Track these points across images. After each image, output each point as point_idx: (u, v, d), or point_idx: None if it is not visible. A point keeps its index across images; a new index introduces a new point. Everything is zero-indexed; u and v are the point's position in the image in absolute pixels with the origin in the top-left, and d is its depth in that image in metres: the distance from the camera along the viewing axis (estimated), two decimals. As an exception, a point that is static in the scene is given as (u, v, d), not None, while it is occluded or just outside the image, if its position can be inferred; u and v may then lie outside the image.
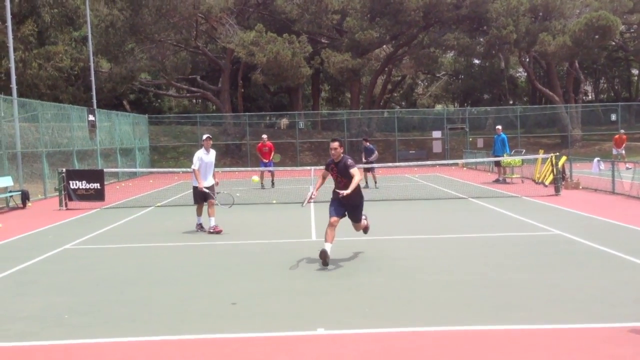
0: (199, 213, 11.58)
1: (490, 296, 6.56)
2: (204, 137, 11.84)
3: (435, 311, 6.06)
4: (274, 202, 16.35)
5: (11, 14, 20.37)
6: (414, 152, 36.76)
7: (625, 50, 46.23)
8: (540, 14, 37.52)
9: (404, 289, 6.96)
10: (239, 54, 34.09)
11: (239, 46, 33.34)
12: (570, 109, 39.45)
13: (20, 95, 21.91)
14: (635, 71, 58.97)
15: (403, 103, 64.24)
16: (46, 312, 6.38)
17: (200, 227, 11.53)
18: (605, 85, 64.96)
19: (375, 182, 20.16)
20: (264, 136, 22.06)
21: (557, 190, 16.58)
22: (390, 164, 25.06)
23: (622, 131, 29.04)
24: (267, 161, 21.09)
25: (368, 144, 20.49)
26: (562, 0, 35.53)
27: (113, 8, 32.28)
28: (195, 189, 11.42)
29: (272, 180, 21.25)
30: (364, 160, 20.31)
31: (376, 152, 20.60)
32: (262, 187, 20.71)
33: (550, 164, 17.21)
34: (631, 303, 6.17)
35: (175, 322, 5.96)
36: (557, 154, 17.63)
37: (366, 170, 19.94)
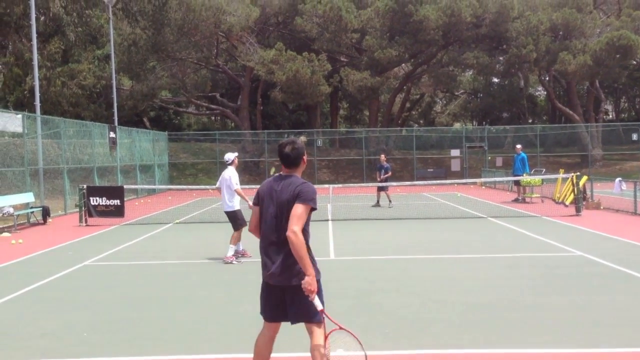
0: (240, 238, 10.29)
1: (514, 319, 6.45)
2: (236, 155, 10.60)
3: (458, 333, 5.98)
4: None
5: (37, 32, 20.75)
6: (432, 170, 36.60)
7: (646, 69, 45.76)
8: (561, 33, 37.39)
9: (425, 309, 6.88)
10: (259, 72, 34.38)
11: (259, 64, 33.63)
12: (591, 128, 39.07)
13: (43, 112, 22.24)
14: (657, 90, 58.31)
15: (421, 121, 64.15)
16: (66, 329, 6.40)
17: (243, 252, 10.49)
18: (626, 105, 64.32)
19: (390, 201, 20.01)
20: None
21: (578, 210, 16.37)
22: (408, 182, 24.98)
23: None
24: None
25: (385, 162, 20.44)
26: (582, 20, 35.39)
27: (136, 27, 32.78)
28: (239, 212, 10.15)
29: None
30: (379, 178, 20.31)
31: (389, 172, 20.56)
32: None
33: (571, 183, 17.03)
34: (658, 328, 6.04)
35: (196, 341, 5.94)
36: (578, 173, 17.44)
37: (380, 189, 19.91)
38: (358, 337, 4.33)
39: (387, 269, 9.31)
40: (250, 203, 9.65)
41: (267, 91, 41.36)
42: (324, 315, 4.25)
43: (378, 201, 20.04)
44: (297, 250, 3.93)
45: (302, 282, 4.03)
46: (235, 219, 10.05)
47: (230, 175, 10.02)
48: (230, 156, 10.27)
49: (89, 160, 22.85)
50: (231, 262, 9.98)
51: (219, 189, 10.45)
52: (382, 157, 21.02)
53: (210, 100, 43.93)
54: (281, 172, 4.26)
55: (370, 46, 34.50)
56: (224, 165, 10.50)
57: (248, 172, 36.20)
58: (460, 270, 9.24)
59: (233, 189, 10.01)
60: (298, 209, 3.97)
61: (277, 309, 4.35)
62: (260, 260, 4.35)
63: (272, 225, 4.16)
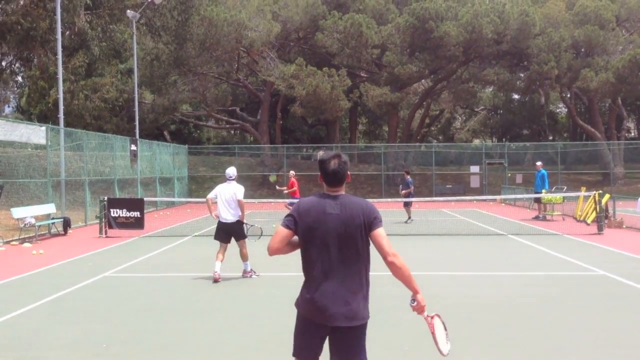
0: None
1: (537, 338, 6.35)
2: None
3: (479, 351, 5.89)
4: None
5: (62, 46, 21.12)
6: (450, 186, 36.40)
7: (670, 87, 45.18)
8: (583, 50, 37.14)
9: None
10: (279, 86, 34.59)
11: (279, 79, 33.85)
12: (613, 146, 38.65)
13: (66, 125, 22.57)
14: (680, 108, 57.56)
15: (440, 137, 63.95)
16: (85, 340, 6.43)
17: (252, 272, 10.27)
18: (649, 122, 63.53)
19: (409, 217, 19.94)
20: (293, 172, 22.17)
21: (600, 228, 16.13)
22: (427, 199, 24.88)
23: None
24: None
25: (409, 177, 20.33)
26: (605, 37, 35.14)
27: (159, 42, 33.24)
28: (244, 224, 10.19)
29: None
30: (402, 192, 20.26)
31: (412, 187, 20.39)
32: None
33: (593, 201, 16.81)
34: (684, 350, 5.90)
35: (214, 354, 5.93)
36: (600, 191, 17.21)
37: (404, 204, 19.89)
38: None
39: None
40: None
41: (286, 106, 41.58)
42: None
43: (409, 216, 19.93)
44: (405, 272, 3.56)
45: (413, 302, 3.69)
46: (242, 229, 10.09)
47: (240, 188, 10.00)
48: (234, 171, 10.23)
49: (110, 172, 23.10)
50: (251, 276, 10.12)
51: (208, 199, 10.34)
52: (405, 172, 20.94)
53: (230, 114, 44.25)
54: (326, 192, 3.67)
55: (390, 62, 34.56)
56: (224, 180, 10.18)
57: (266, 185, 36.31)
58: (481, 287, 9.13)
59: (239, 199, 9.88)
60: (383, 233, 3.55)
61: (316, 348, 3.67)
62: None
63: (337, 257, 3.52)
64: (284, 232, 3.65)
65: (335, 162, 3.67)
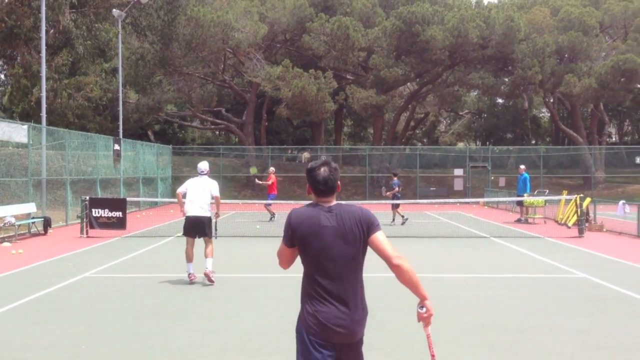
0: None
1: (519, 341, 6.39)
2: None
3: (461, 353, 5.91)
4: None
5: (46, 45, 20.91)
6: (434, 189, 36.58)
7: (651, 93, 45.84)
8: (566, 55, 37.58)
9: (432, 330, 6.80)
10: (265, 88, 34.55)
11: (265, 80, 33.81)
12: (594, 151, 39.08)
13: (49, 123, 22.35)
14: (661, 114, 58.37)
15: (425, 140, 64.23)
16: (64, 341, 6.36)
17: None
18: (629, 128, 64.36)
19: (394, 219, 20.00)
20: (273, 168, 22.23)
21: (580, 232, 16.30)
22: (411, 201, 24.94)
23: None
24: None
25: (396, 178, 20.32)
26: (588, 43, 35.56)
27: (144, 41, 33.02)
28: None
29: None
30: (387, 193, 20.32)
31: (396, 188, 20.30)
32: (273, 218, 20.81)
33: (574, 205, 16.97)
34: (662, 353, 5.97)
35: (194, 355, 5.89)
36: (582, 195, 17.39)
37: (393, 206, 19.95)
38: None
39: (390, 286, 9.23)
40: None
41: (272, 107, 41.53)
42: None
43: (402, 217, 19.89)
44: (412, 276, 3.36)
45: (422, 309, 3.52)
46: (211, 227, 9.85)
47: (214, 183, 9.83)
48: (206, 166, 9.93)
49: (92, 171, 22.90)
50: (212, 277, 9.40)
51: (179, 194, 9.90)
52: (393, 175, 20.98)
53: (215, 115, 44.11)
54: (318, 202, 3.43)
55: (376, 65, 34.67)
56: (197, 174, 9.90)
57: (251, 186, 36.23)
58: (464, 289, 9.17)
59: (216, 195, 9.77)
60: (383, 237, 3.36)
61: None
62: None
63: (337, 271, 3.33)
64: (286, 251, 3.48)
65: (325, 169, 3.42)
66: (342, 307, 3.31)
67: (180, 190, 9.92)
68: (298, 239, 3.38)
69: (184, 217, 9.75)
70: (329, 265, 3.32)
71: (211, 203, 9.82)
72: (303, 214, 3.40)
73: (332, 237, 3.32)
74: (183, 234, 9.80)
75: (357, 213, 3.39)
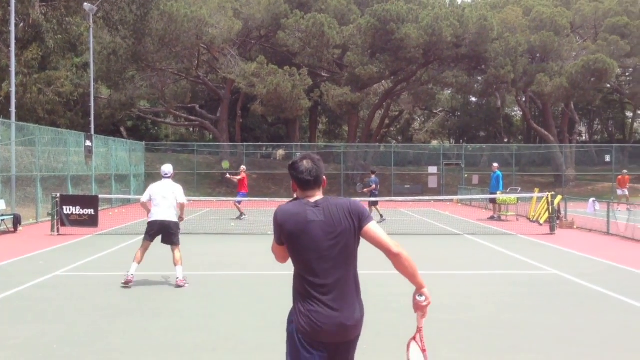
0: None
1: (493, 336, 6.46)
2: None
3: (436, 350, 5.93)
4: (269, 233, 16.23)
5: (16, 38, 20.49)
6: (409, 186, 36.80)
7: (620, 93, 46.80)
8: (538, 55, 38.11)
9: (403, 326, 6.83)
10: (240, 84, 34.36)
11: (240, 77, 33.63)
12: (565, 149, 39.73)
13: (18, 119, 21.91)
14: (629, 114, 59.63)
15: (400, 138, 64.63)
16: (35, 340, 6.24)
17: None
18: (599, 127, 65.59)
19: (381, 216, 19.67)
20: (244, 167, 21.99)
21: (552, 229, 16.55)
22: (385, 198, 25.06)
23: (625, 171, 29.13)
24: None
25: (373, 176, 20.22)
26: (559, 43, 36.11)
27: (116, 36, 32.56)
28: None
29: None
30: (364, 190, 20.33)
31: (373, 185, 20.21)
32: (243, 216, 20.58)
33: (545, 202, 17.22)
34: (636, 348, 6.08)
35: (168, 354, 5.82)
36: (553, 192, 17.65)
37: (372, 204, 19.69)
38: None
39: (365, 283, 9.25)
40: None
41: (247, 104, 41.35)
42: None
43: (381, 216, 19.54)
44: (411, 263, 3.26)
45: (421, 297, 3.46)
46: (178, 232, 9.35)
47: (179, 188, 9.39)
48: (170, 169, 9.49)
49: (63, 168, 22.52)
50: (184, 285, 9.04)
51: (146, 203, 9.36)
52: (371, 172, 20.88)
53: (189, 111, 43.74)
54: (299, 198, 3.33)
55: (351, 62, 34.72)
56: (160, 177, 9.53)
57: (226, 184, 36.04)
58: (438, 286, 9.23)
59: (182, 202, 9.32)
60: (376, 227, 3.24)
61: None
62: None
63: (329, 267, 3.18)
64: (278, 248, 3.37)
65: (308, 161, 3.34)
66: (335, 305, 3.17)
67: (144, 199, 9.43)
68: (285, 237, 3.25)
69: (147, 222, 9.24)
70: (320, 262, 3.17)
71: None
72: (288, 211, 3.26)
73: (321, 232, 3.18)
74: (144, 238, 9.25)
75: (346, 205, 3.27)
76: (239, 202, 20.80)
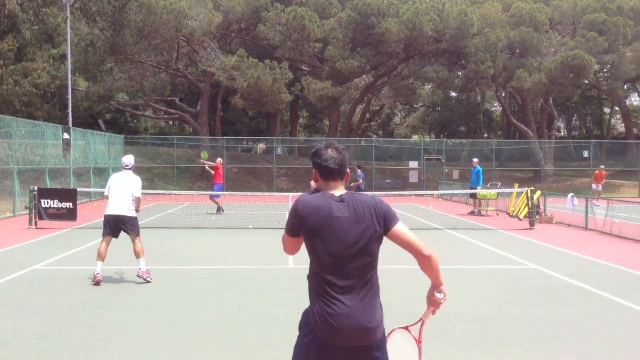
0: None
1: (474, 331, 6.50)
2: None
3: (427, 344, 5.96)
4: (251, 227, 16.19)
5: (-10, 28, 20.11)
6: (390, 181, 36.93)
7: (598, 89, 47.41)
8: (518, 51, 38.43)
9: (386, 321, 6.85)
10: (220, 78, 34.13)
11: (220, 70, 33.39)
12: (544, 145, 40.17)
13: (-6, 110, 21.54)
14: (607, 110, 60.49)
15: (380, 132, 64.81)
16: (14, 336, 6.14)
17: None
18: (577, 123, 66.44)
19: None
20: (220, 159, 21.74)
21: (531, 224, 16.72)
22: (367, 193, 25.12)
23: (603, 167, 29.44)
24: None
25: (360, 171, 20.39)
26: (539, 39, 36.43)
27: (94, 28, 32.09)
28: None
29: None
30: (351, 185, 20.43)
31: (360, 180, 20.38)
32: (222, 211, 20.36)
33: (525, 197, 17.39)
34: (614, 342, 6.17)
35: (150, 349, 5.77)
36: (533, 188, 17.82)
37: None
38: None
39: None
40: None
41: (227, 97, 41.12)
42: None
43: None
44: (438, 265, 3.25)
45: (440, 294, 3.41)
46: (137, 224, 9.08)
47: (137, 181, 9.04)
48: (131, 160, 9.25)
49: (40, 161, 22.19)
50: (148, 279, 8.84)
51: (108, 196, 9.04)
52: (357, 167, 20.97)
53: (169, 104, 43.36)
54: (321, 190, 3.14)
55: (332, 56, 34.68)
56: (120, 169, 9.32)
57: (206, 178, 35.84)
58: (420, 282, 9.24)
59: (137, 196, 8.95)
60: (404, 229, 3.15)
61: None
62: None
63: (352, 266, 3.03)
64: (289, 240, 3.20)
65: (333, 150, 3.14)
66: (356, 306, 3.00)
67: (106, 192, 9.13)
68: (306, 232, 3.05)
69: (104, 216, 8.97)
70: (341, 260, 3.00)
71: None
72: (312, 204, 3.05)
73: (346, 229, 3.00)
74: (103, 234, 8.96)
75: (372, 203, 3.11)
76: (217, 197, 20.59)
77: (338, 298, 2.98)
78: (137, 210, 9.04)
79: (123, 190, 8.87)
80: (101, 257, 8.77)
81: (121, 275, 9.40)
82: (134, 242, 8.92)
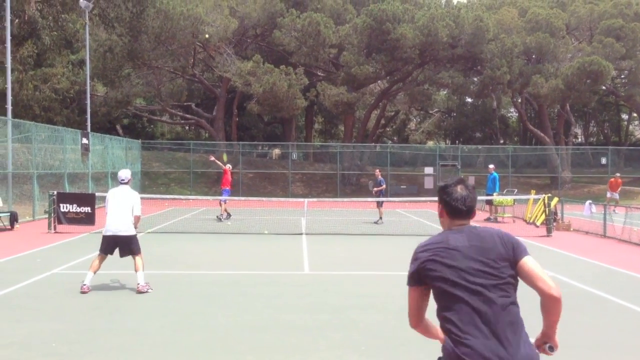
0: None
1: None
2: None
3: (435, 351, 5.95)
4: (266, 232, 16.24)
5: (11, 35, 20.42)
6: (405, 187, 36.84)
7: (616, 95, 46.97)
8: (534, 56, 38.20)
9: (401, 327, 6.83)
10: (236, 83, 34.32)
11: (236, 75, 33.59)
12: (561, 151, 39.84)
13: (14, 116, 21.82)
14: (625, 116, 59.88)
15: (395, 138, 64.68)
16: (33, 339, 6.22)
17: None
18: (595, 129, 65.81)
19: (380, 217, 19.84)
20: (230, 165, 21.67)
21: (548, 231, 16.58)
22: (382, 199, 25.06)
23: (618, 174, 28.89)
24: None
25: (380, 176, 20.35)
26: (555, 44, 36.19)
27: (112, 33, 32.49)
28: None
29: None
30: (374, 191, 20.39)
31: (384, 185, 20.35)
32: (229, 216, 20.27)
33: (542, 204, 17.26)
34: (632, 351, 6.11)
35: (166, 353, 5.82)
36: (550, 194, 17.70)
37: (378, 204, 19.92)
38: None
39: (363, 284, 9.28)
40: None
41: (243, 103, 41.31)
42: None
43: (381, 217, 19.66)
44: (561, 307, 2.95)
45: (552, 350, 3.11)
46: (137, 242, 8.79)
47: (136, 198, 8.77)
48: (128, 174, 8.89)
49: (59, 166, 22.45)
50: (148, 290, 8.60)
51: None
52: (377, 172, 20.96)
53: (185, 109, 43.66)
54: (449, 227, 3.04)
55: (347, 62, 34.73)
56: (118, 182, 9.02)
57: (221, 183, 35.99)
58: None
59: (137, 215, 8.66)
60: (533, 263, 2.95)
61: None
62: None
63: (490, 305, 2.84)
64: (415, 294, 3.01)
65: (462, 187, 2.99)
66: (494, 339, 2.79)
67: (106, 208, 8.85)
68: (434, 273, 2.88)
69: (102, 236, 8.74)
70: (480, 297, 2.82)
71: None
72: (434, 243, 2.95)
73: (474, 263, 2.84)
74: (99, 251, 8.74)
75: (496, 231, 2.98)
76: (225, 202, 20.57)
77: (504, 334, 2.89)
78: (135, 227, 8.77)
79: (121, 207, 8.59)
80: (93, 268, 8.61)
81: (136, 280, 9.47)
82: (134, 258, 8.65)
